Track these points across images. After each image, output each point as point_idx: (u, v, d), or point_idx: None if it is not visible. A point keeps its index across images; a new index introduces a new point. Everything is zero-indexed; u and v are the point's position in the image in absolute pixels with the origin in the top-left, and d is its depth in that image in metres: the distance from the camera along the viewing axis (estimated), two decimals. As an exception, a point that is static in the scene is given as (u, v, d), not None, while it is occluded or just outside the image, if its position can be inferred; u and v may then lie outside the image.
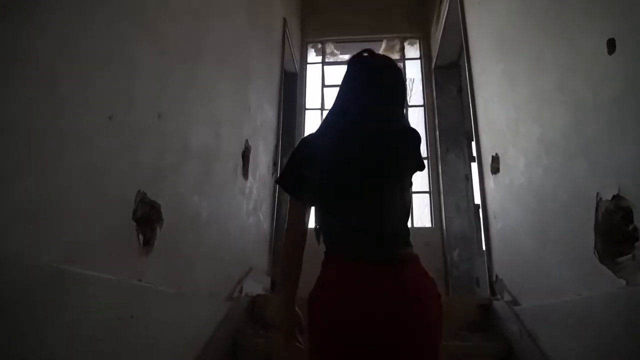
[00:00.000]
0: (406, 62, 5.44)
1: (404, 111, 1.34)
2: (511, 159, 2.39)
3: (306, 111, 5.36)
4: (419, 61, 5.32)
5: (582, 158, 1.55)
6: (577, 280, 1.59)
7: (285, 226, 1.20)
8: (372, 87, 1.21)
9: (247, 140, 2.85)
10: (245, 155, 2.83)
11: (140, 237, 1.49)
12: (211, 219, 2.16)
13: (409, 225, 1.22)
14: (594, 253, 1.44)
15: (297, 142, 4.39)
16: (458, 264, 4.34)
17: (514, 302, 2.27)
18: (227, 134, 2.46)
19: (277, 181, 1.23)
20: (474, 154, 5.45)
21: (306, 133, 5.28)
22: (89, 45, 1.20)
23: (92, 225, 1.21)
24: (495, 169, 2.66)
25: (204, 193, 2.07)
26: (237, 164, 2.65)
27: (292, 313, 1.20)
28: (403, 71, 1.37)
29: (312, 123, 5.36)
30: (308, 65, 5.54)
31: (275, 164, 3.78)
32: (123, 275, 1.35)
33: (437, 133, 4.74)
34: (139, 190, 1.48)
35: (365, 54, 1.27)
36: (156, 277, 1.57)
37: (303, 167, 1.17)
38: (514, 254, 2.39)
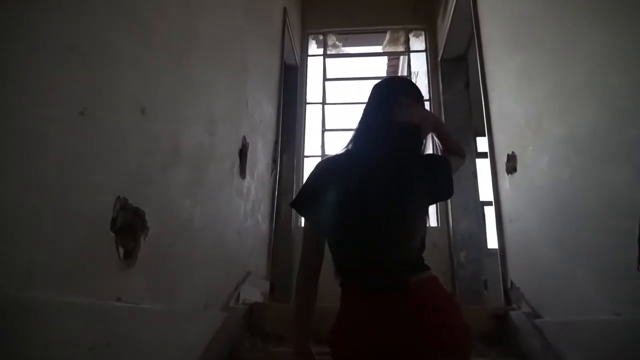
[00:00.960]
0: (411, 54, 5.23)
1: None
2: (531, 159, 2.21)
3: (307, 105, 5.17)
4: (424, 54, 5.11)
5: (623, 162, 1.36)
6: (614, 298, 1.41)
7: (300, 260, 1.16)
8: (391, 110, 1.19)
9: (244, 138, 2.66)
10: (243, 153, 2.65)
11: (121, 249, 1.31)
12: (205, 223, 1.98)
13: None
14: (638, 269, 1.27)
15: (297, 138, 4.24)
16: (465, 265, 4.16)
17: (534, 314, 2.10)
18: (223, 131, 2.27)
19: (292, 204, 1.19)
20: (480, 150, 5.29)
21: (307, 129, 5.12)
22: (55, 32, 1.02)
23: (60, 241, 1.03)
24: (511, 169, 2.48)
25: (196, 196, 1.89)
26: (233, 163, 2.47)
27: (304, 354, 1.10)
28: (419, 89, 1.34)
29: (313, 118, 5.18)
30: (309, 58, 5.33)
31: (274, 161, 3.59)
32: (99, 295, 1.18)
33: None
34: (119, 196, 1.30)
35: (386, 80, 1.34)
36: (140, 294, 1.39)
37: (319, 190, 1.14)
38: (532, 262, 2.21)
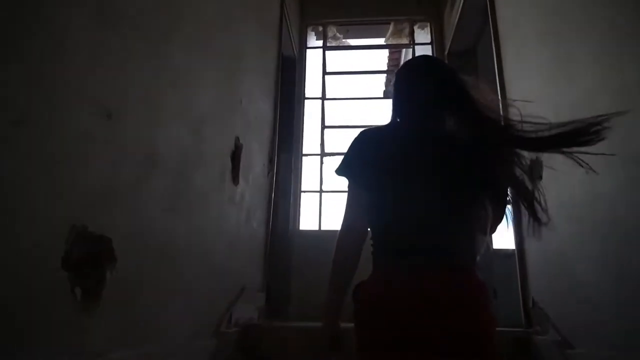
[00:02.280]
0: (416, 47, 4.94)
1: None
2: (561, 166, 1.94)
3: (306, 100, 4.88)
4: (429, 47, 4.82)
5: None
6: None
7: (341, 228, 1.08)
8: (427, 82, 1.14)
9: (237, 139, 2.39)
10: (236, 155, 2.37)
11: (78, 290, 1.04)
12: (191, 241, 1.71)
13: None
14: None
15: (295, 135, 3.95)
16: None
17: (565, 343, 1.85)
18: (212, 133, 1.99)
19: (337, 170, 1.13)
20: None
21: (306, 125, 4.84)
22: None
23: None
24: (535, 175, 2.22)
25: (179, 211, 1.62)
26: (224, 168, 2.19)
27: (334, 332, 1.06)
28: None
29: (312, 113, 4.90)
30: (308, 50, 5.03)
31: (271, 160, 3.31)
32: (46, 356, 0.92)
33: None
34: (74, 225, 1.03)
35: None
36: (104, 342, 1.13)
37: (366, 156, 1.09)
38: (563, 282, 1.96)
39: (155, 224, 1.43)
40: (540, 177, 2.17)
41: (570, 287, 1.87)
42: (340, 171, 1.12)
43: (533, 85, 2.26)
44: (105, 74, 1.16)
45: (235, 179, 2.35)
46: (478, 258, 1.03)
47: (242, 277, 2.50)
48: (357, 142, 1.13)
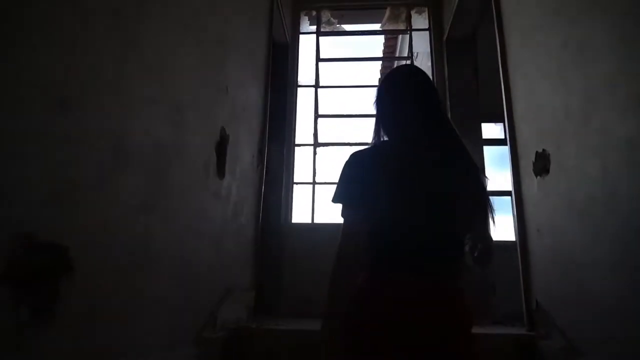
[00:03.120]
0: (413, 33, 4.76)
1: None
2: (572, 160, 1.80)
3: (298, 89, 4.69)
4: (427, 32, 4.64)
5: None
6: None
7: (338, 253, 1.07)
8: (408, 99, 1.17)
9: (223, 129, 2.22)
10: (222, 147, 2.21)
11: (24, 310, 0.89)
12: (168, 244, 1.56)
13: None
14: None
15: (287, 125, 3.79)
16: (471, 266, 3.80)
17: (573, 350, 1.73)
18: (194, 123, 1.83)
19: (334, 199, 1.13)
20: (485, 136, 4.90)
21: (299, 114, 4.66)
22: None
23: None
24: (541, 169, 2.08)
25: (154, 210, 1.46)
26: (208, 161, 2.03)
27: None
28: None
29: (305, 102, 4.72)
30: (301, 36, 4.82)
31: (261, 152, 3.15)
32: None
33: (449, 116, 4.12)
34: (19, 232, 0.87)
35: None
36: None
37: (361, 181, 1.10)
38: (571, 285, 1.83)
39: (124, 226, 1.27)
40: (547, 171, 2.03)
41: (579, 290, 1.74)
42: (339, 198, 1.12)
43: (542, 72, 2.10)
44: (60, 56, 0.99)
45: (220, 172, 2.19)
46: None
47: (228, 277, 2.35)
48: (349, 167, 1.14)
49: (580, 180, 1.72)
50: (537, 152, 2.12)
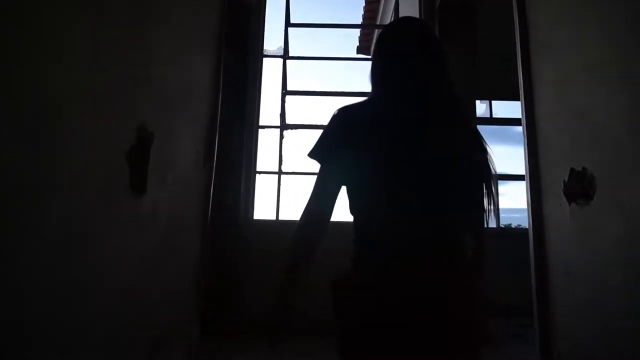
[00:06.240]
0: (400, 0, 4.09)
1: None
2: (629, 187, 1.28)
3: (263, 59, 3.99)
4: (416, -2, 3.98)
5: None
6: None
7: (301, 217, 0.98)
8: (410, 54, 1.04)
9: (142, 127, 1.57)
10: (142, 151, 1.57)
11: None
12: (50, 310, 0.94)
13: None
14: None
15: (249, 102, 3.13)
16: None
17: None
18: (84, 127, 1.18)
19: (309, 154, 1.03)
20: (480, 114, 4.42)
21: (264, 89, 3.99)
22: None
23: None
24: (577, 193, 1.56)
25: (20, 271, 0.83)
26: (113, 177, 1.39)
27: (286, 307, 0.96)
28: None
29: (272, 74, 4.04)
30: (268, -4, 4.07)
31: (209, 144, 2.48)
32: None
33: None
34: None
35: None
36: None
37: (343, 139, 0.98)
38: (612, 348, 1.35)
39: None
40: (588, 197, 1.50)
41: (611, 347, 1.26)
42: (314, 154, 1.02)
43: (587, 60, 1.53)
44: None
45: (139, 185, 1.55)
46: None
47: (156, 322, 1.76)
48: (336, 122, 1.02)
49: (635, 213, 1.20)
50: (572, 169, 1.58)
